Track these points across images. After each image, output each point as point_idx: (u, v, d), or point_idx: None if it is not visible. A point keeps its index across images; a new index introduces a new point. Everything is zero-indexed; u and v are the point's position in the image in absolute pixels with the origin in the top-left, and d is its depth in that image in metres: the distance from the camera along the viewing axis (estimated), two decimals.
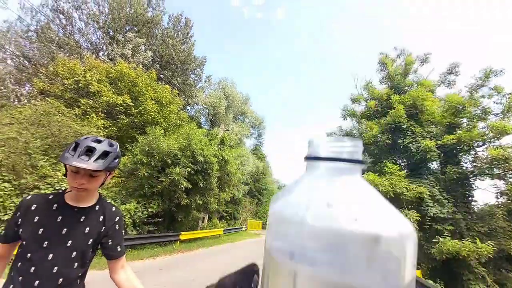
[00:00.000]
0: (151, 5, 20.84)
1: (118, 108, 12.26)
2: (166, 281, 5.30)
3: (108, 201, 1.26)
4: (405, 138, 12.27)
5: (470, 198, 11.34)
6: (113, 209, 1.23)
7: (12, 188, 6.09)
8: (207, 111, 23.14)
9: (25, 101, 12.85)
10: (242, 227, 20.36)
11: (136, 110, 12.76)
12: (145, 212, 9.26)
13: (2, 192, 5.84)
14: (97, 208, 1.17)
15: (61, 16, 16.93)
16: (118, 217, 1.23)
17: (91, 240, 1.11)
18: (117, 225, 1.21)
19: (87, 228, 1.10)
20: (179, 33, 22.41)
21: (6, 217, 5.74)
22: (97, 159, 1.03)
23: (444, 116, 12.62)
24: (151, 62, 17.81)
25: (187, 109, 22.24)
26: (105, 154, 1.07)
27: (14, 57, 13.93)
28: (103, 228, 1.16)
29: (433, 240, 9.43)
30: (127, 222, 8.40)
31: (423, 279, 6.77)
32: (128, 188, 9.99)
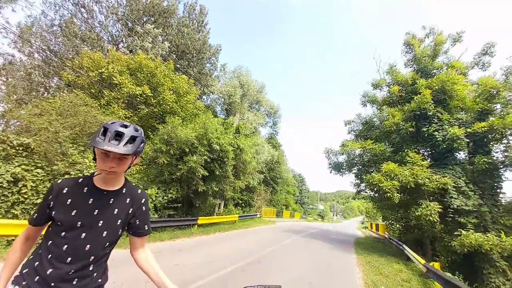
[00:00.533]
0: None
1: (138, 99, 12.73)
2: (185, 261, 5.64)
3: (134, 184, 1.34)
4: (430, 125, 11.53)
5: (498, 190, 10.58)
6: (139, 191, 1.31)
7: (45, 174, 6.66)
8: (223, 100, 23.28)
9: (53, 92, 13.73)
10: (257, 214, 20.82)
11: (155, 100, 13.17)
12: (165, 197, 9.78)
13: (35, 178, 6.40)
14: (124, 191, 1.24)
15: (82, 10, 17.53)
16: (144, 199, 1.30)
17: (119, 220, 1.19)
18: (143, 207, 1.29)
19: (116, 210, 1.18)
20: (194, 21, 22.32)
21: (39, 201, 6.33)
22: (126, 143, 1.09)
23: (476, 101, 11.61)
24: (168, 53, 18.06)
25: (203, 98, 22.54)
26: (133, 139, 1.12)
27: (41, 51, 14.76)
28: (131, 209, 1.24)
29: (455, 233, 9.02)
30: (149, 206, 8.93)
31: (441, 271, 6.58)
32: (150, 174, 10.53)
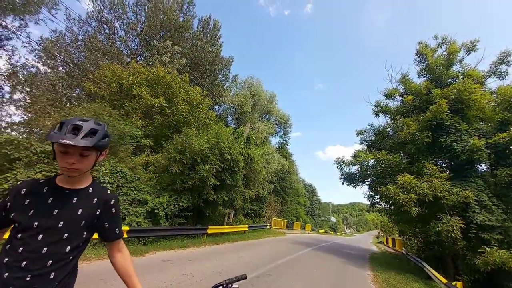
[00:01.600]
0: (183, 11, 21.93)
1: (154, 109, 13.22)
2: (194, 272, 5.60)
3: (103, 185, 1.25)
4: (448, 136, 11.11)
5: None
6: (108, 192, 1.21)
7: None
8: (234, 109, 23.65)
9: (75, 103, 14.52)
10: (266, 225, 20.46)
11: (169, 111, 13.61)
12: (176, 206, 9.86)
13: None
14: (90, 191, 1.14)
15: (104, 26, 18.76)
16: (114, 200, 1.19)
17: (83, 222, 1.08)
18: (113, 209, 1.19)
19: (80, 210, 1.08)
20: (208, 35, 23.24)
21: None
22: (84, 136, 1.02)
23: (495, 111, 11.13)
24: (183, 66, 18.80)
25: (215, 108, 23.01)
26: (92, 132, 1.05)
27: (65, 64, 15.80)
28: (98, 211, 1.13)
29: (478, 250, 8.44)
30: (160, 214, 9.04)
31: None
32: (162, 183, 10.72)
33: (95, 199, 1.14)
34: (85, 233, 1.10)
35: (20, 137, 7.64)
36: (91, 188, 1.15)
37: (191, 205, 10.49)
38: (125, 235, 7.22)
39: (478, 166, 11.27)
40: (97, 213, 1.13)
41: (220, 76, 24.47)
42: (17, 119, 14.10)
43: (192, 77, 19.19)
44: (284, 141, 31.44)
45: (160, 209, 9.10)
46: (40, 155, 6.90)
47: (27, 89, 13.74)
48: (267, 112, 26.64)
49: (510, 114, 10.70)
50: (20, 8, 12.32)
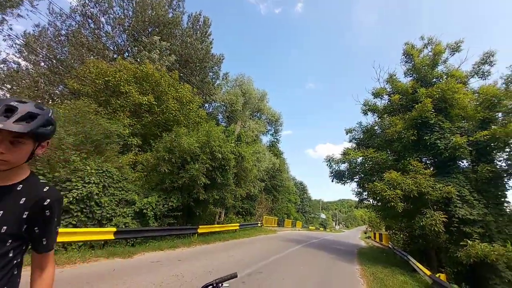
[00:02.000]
0: (172, 6, 21.45)
1: (143, 107, 12.90)
2: (184, 272, 5.55)
3: (44, 181, 1.00)
4: (432, 134, 11.51)
5: (502, 199, 10.45)
6: (45, 189, 0.96)
7: (46, 181, 6.67)
8: (224, 108, 23.48)
9: (58, 100, 13.96)
10: (257, 223, 20.54)
11: (158, 109, 13.33)
12: (165, 206, 9.71)
13: None
14: (19, 188, 0.92)
15: (89, 20, 18.07)
16: (49, 200, 0.95)
17: (5, 228, 0.86)
18: (47, 211, 0.94)
19: (1, 212, 0.87)
20: (198, 32, 22.87)
21: None
22: (18, 120, 0.84)
23: (477, 110, 11.64)
24: (172, 63, 18.44)
25: (205, 107, 22.76)
26: (30, 116, 0.87)
27: (47, 60, 15.14)
28: (26, 213, 0.91)
29: (461, 243, 8.84)
30: (149, 214, 8.87)
31: (447, 283, 6.40)
32: (151, 182, 10.51)
33: (23, 199, 0.91)
34: (9, 240, 0.88)
35: None
36: (20, 185, 0.92)
37: (181, 204, 10.36)
38: (112, 237, 7.05)
39: (460, 162, 11.75)
40: (24, 216, 0.90)
41: (211, 73, 24.19)
42: None
43: (182, 74, 18.86)
44: (275, 140, 31.60)
45: (148, 209, 8.93)
46: None
47: (8, 86, 13.07)
48: (258, 110, 26.63)
49: (491, 113, 11.20)
50: (1, 1, 11.65)
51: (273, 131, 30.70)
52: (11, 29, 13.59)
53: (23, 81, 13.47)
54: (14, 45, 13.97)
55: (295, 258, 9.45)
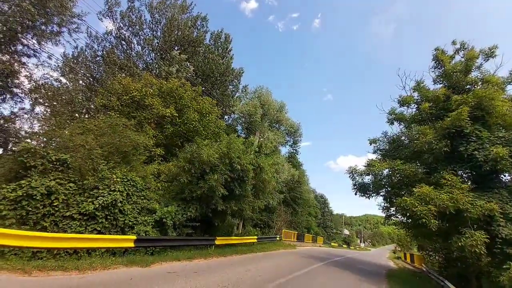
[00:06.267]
0: (196, 26, 22.85)
1: (165, 119, 13.52)
2: (199, 285, 5.42)
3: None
4: (468, 144, 10.49)
5: None
6: None
7: (76, 188, 7.10)
8: (243, 119, 23.80)
9: (93, 114, 15.15)
10: (276, 237, 19.87)
11: (179, 120, 13.88)
12: (184, 215, 9.80)
13: (67, 191, 6.84)
14: None
15: (123, 42, 19.81)
16: None
17: None
18: None
19: None
20: (219, 48, 23.95)
21: (68, 213, 6.67)
22: None
23: None
24: (194, 76, 19.37)
25: (225, 118, 23.28)
26: None
27: (85, 78, 16.70)
28: None
29: (504, 267, 7.72)
30: (168, 223, 8.99)
31: None
32: (171, 192, 10.75)
33: None
34: None
35: (37, 146, 7.97)
36: None
37: (199, 215, 10.40)
38: (133, 244, 7.20)
39: (502, 176, 10.52)
40: None
41: (231, 87, 24.94)
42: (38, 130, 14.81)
43: (203, 88, 19.69)
44: (294, 150, 31.14)
45: (168, 219, 9.06)
46: (55, 163, 7.13)
47: (48, 102, 14.50)
48: (276, 121, 26.60)
49: None
50: (40, 31, 13.09)
51: (292, 142, 30.36)
52: (52, 54, 15.24)
53: (63, 97, 14.88)
54: (56, 67, 15.60)
55: (317, 277, 8.86)
